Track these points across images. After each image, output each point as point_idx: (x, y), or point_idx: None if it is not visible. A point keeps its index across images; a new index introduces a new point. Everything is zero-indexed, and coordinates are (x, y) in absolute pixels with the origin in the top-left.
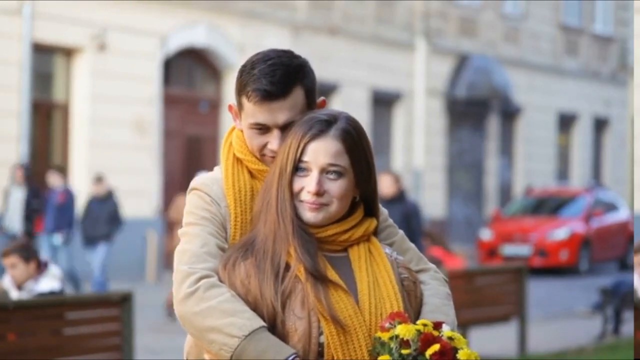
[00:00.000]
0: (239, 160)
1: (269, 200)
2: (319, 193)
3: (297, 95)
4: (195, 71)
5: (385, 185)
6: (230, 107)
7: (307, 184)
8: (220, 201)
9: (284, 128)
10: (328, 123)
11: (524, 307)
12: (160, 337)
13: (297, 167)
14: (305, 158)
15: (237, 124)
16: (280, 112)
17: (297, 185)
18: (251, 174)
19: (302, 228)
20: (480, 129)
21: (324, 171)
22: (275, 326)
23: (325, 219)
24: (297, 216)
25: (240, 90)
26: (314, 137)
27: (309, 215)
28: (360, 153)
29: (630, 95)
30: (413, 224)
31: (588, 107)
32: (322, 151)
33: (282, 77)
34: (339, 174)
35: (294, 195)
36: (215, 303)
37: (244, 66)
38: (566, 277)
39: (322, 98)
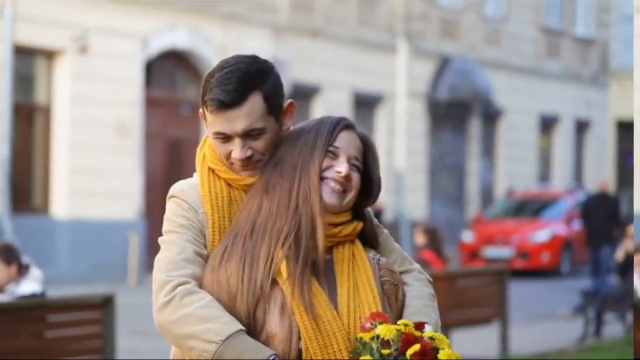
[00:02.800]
0: (213, 170)
1: (267, 187)
2: (348, 178)
3: (255, 102)
4: (177, 74)
5: None
6: (201, 114)
7: (336, 165)
8: (198, 208)
9: (246, 136)
10: (351, 124)
11: (506, 309)
12: (142, 339)
13: (328, 150)
14: (337, 144)
15: (208, 131)
16: (237, 121)
17: (325, 163)
18: (227, 182)
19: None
20: (462, 132)
21: (349, 161)
22: (255, 325)
23: (341, 205)
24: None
25: (202, 99)
26: (345, 128)
27: (329, 196)
28: (375, 158)
29: (612, 98)
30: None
31: (570, 110)
32: (352, 143)
33: (236, 85)
34: (358, 169)
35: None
36: (192, 310)
37: (207, 75)
38: (548, 280)
39: (290, 101)
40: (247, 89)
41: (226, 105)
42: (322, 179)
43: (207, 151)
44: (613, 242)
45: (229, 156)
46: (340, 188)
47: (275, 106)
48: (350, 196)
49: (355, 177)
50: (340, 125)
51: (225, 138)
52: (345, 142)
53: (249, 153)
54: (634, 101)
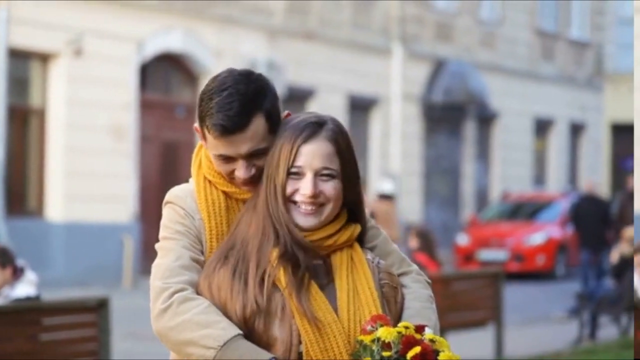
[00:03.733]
0: (209, 180)
1: (256, 203)
2: (315, 195)
3: (257, 124)
4: (171, 76)
5: None
6: (196, 129)
7: (301, 187)
8: (194, 214)
9: (250, 156)
10: (318, 125)
11: (501, 312)
12: (136, 342)
13: (290, 171)
14: (299, 162)
15: (205, 144)
16: (241, 144)
17: (290, 188)
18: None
19: (294, 232)
20: (456, 134)
21: (317, 174)
22: (254, 332)
23: (319, 222)
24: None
25: (201, 119)
26: (306, 140)
27: (303, 219)
28: (349, 155)
29: (606, 101)
30: None
31: (564, 112)
32: (316, 154)
33: (238, 109)
34: (332, 176)
35: (286, 199)
36: (190, 316)
37: (203, 93)
38: (542, 282)
39: (286, 112)
40: (250, 112)
41: (230, 131)
42: (292, 202)
43: (203, 160)
44: (607, 245)
45: (231, 173)
46: (312, 208)
47: (275, 123)
48: (329, 208)
49: (329, 187)
50: (300, 137)
51: (228, 159)
52: (308, 157)
53: (253, 172)
54: (634, 102)
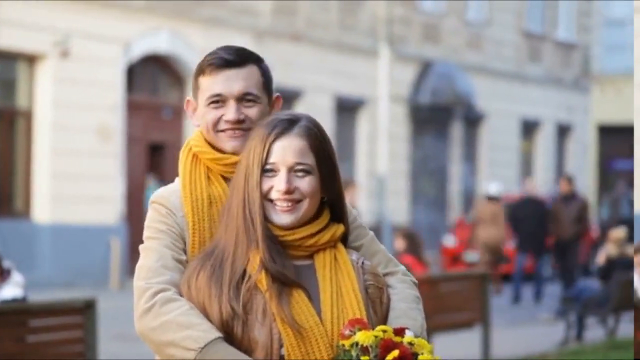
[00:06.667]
0: (196, 162)
1: (230, 205)
2: (290, 191)
3: (252, 70)
4: (158, 78)
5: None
6: (188, 102)
7: (276, 184)
8: (176, 211)
9: (240, 100)
10: (291, 122)
11: (487, 313)
12: (123, 344)
13: (264, 169)
14: (272, 159)
15: (193, 120)
16: (236, 81)
17: (265, 186)
18: (208, 179)
19: (269, 231)
20: (443, 135)
21: (291, 170)
22: (233, 336)
23: (297, 219)
24: (265, 218)
25: (198, 73)
26: (278, 136)
27: (279, 217)
28: (324, 151)
29: (593, 102)
30: None
31: (551, 114)
32: (288, 149)
33: (238, 50)
34: (307, 172)
35: (262, 197)
36: (172, 317)
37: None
38: (529, 284)
39: (277, 94)
40: (248, 56)
41: (228, 63)
42: (269, 200)
43: (192, 140)
44: (545, 249)
45: (217, 121)
46: (287, 205)
47: (268, 85)
48: (305, 204)
49: (304, 183)
50: (272, 134)
51: (219, 102)
52: (280, 153)
53: (242, 117)
54: (634, 101)
